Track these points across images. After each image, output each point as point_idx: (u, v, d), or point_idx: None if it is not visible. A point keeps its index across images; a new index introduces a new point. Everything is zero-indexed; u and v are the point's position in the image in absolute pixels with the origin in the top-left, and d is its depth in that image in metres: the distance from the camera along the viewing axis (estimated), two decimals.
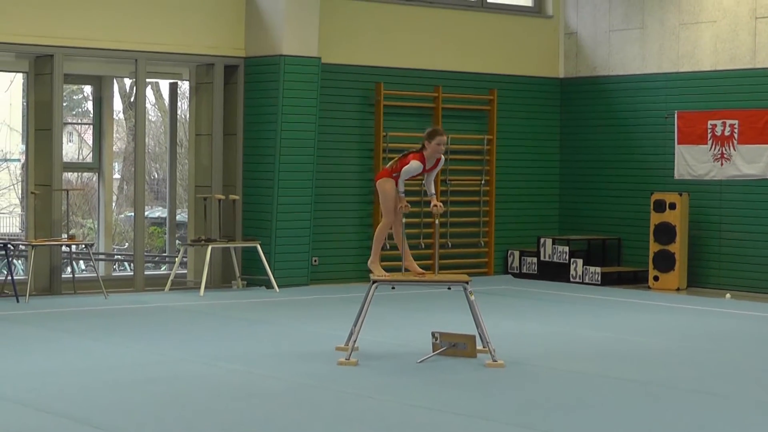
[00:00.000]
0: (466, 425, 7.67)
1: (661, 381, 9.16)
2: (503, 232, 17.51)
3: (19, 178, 21.81)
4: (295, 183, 15.43)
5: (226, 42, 15.57)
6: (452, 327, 10.72)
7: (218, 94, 15.63)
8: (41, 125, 14.66)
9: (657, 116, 16.76)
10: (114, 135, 17.44)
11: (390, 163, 10.35)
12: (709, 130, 16.12)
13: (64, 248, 14.72)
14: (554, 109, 17.99)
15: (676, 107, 16.51)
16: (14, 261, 15.16)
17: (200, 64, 15.67)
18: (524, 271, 17.30)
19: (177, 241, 17.11)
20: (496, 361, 9.68)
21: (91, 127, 16.94)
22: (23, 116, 16.58)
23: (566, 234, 17.65)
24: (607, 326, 12.41)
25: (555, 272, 16.90)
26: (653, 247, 16.16)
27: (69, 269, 15.32)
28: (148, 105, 22.23)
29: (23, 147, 16.40)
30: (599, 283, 16.42)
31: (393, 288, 10.42)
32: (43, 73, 14.60)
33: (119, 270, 18.35)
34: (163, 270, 17.32)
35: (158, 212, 23.56)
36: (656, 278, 16.10)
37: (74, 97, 24.80)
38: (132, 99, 18.39)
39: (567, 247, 16.90)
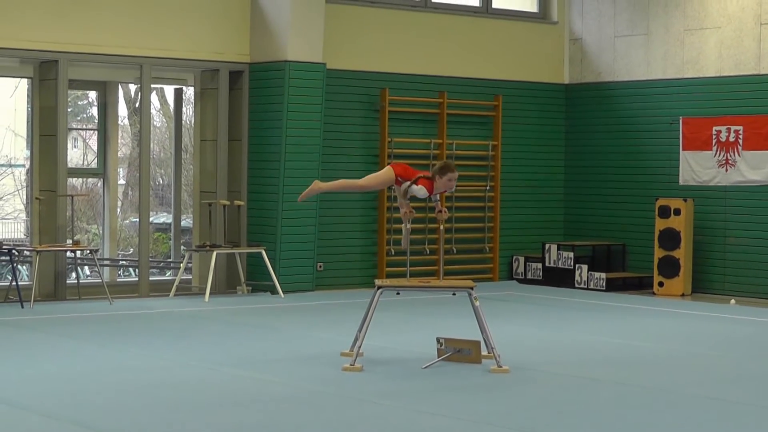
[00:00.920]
0: (471, 431, 7.67)
1: (665, 386, 9.15)
2: (508, 237, 17.49)
3: (24, 184, 21.83)
4: (300, 189, 15.24)
5: (231, 48, 15.59)
6: (457, 332, 10.72)
7: (223, 99, 15.63)
8: (46, 131, 14.66)
9: (662, 122, 16.75)
10: (119, 140, 17.46)
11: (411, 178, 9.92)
12: (713, 136, 16.11)
13: (68, 254, 14.72)
14: (559, 115, 17.98)
15: (681, 113, 16.49)
16: (19, 267, 15.18)
17: (205, 69, 15.68)
18: (529, 276, 17.29)
19: (182, 247, 17.12)
20: (500, 366, 9.67)
21: (96, 132, 16.93)
22: (28, 122, 16.58)
23: (571, 240, 17.64)
24: (612, 332, 12.41)
25: (560, 278, 16.89)
26: (658, 253, 16.14)
27: (74, 275, 15.32)
28: (153, 111, 22.27)
29: (28, 152, 16.40)
30: (604, 288, 16.41)
31: (398, 293, 10.41)
32: (47, 79, 14.61)
33: (124, 276, 18.35)
34: (167, 276, 17.31)
35: (163, 218, 23.57)
36: (661, 284, 16.09)
37: (79, 102, 24.80)
38: (137, 105, 18.36)
39: (572, 253, 16.88)
